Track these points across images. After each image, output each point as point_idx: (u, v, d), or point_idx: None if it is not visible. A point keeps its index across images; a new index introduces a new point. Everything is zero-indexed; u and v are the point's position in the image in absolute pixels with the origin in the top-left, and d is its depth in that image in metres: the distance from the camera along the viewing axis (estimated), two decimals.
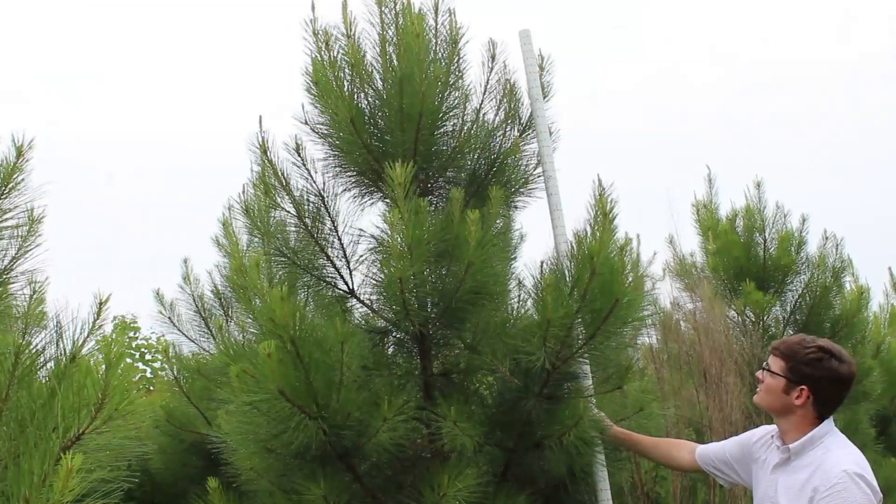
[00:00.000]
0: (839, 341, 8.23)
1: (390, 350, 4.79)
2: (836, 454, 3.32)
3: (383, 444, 4.07)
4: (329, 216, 4.71)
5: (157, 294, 7.38)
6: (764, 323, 8.33)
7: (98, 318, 2.94)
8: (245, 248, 5.88)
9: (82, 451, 2.61)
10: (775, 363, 3.48)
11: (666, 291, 8.89)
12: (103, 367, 2.75)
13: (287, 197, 4.64)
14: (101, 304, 2.97)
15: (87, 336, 2.91)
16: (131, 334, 11.48)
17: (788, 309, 8.54)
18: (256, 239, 4.85)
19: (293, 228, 4.69)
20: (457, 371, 4.73)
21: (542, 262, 4.69)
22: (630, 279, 4.08)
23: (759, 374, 3.56)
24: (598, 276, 4.01)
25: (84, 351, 2.90)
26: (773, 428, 3.67)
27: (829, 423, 3.45)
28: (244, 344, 4.97)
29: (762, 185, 8.87)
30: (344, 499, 4.10)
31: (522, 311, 4.76)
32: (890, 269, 13.85)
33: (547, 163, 4.74)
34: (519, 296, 4.86)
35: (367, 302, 4.70)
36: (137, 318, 11.66)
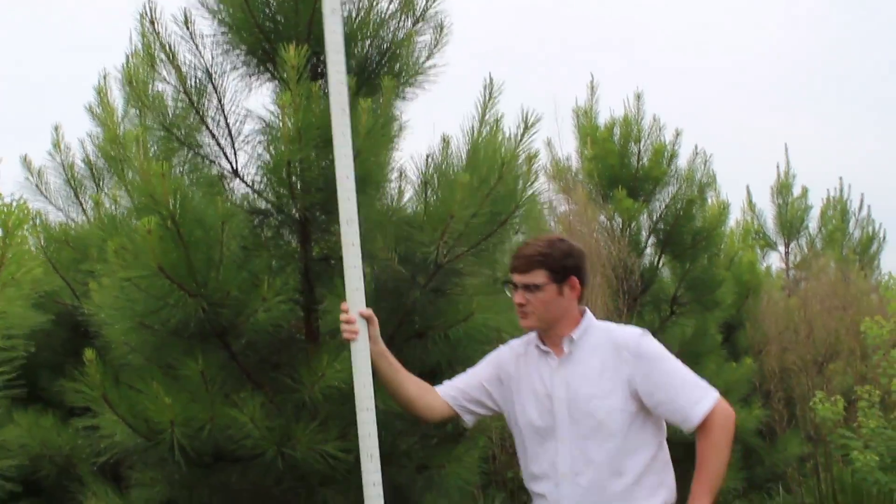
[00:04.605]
0: (698, 253, 8.66)
1: (269, 233, 4.77)
2: (618, 328, 3.40)
3: (261, 325, 4.11)
4: (216, 93, 4.60)
5: (25, 160, 7.09)
6: (631, 230, 8.62)
7: None
8: (121, 119, 5.70)
9: None
10: (537, 276, 3.34)
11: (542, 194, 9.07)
12: None
13: (174, 71, 4.51)
14: None
15: None
16: None
17: (654, 218, 8.84)
18: (134, 110, 4.71)
19: (178, 102, 4.57)
20: (336, 258, 4.76)
21: (427, 157, 4.76)
22: (533, 188, 4.21)
23: (518, 299, 3.39)
24: (503, 182, 4.13)
25: None
26: (519, 341, 3.58)
27: (590, 315, 3.47)
28: (118, 218, 4.86)
29: (642, 97, 9.07)
30: (220, 376, 4.13)
31: (401, 202, 4.84)
32: (748, 187, 14.56)
33: None
34: (399, 186, 4.92)
35: (250, 183, 4.65)
36: None
